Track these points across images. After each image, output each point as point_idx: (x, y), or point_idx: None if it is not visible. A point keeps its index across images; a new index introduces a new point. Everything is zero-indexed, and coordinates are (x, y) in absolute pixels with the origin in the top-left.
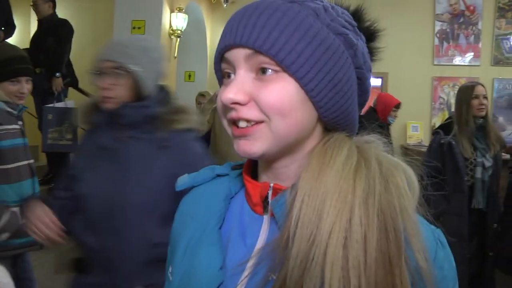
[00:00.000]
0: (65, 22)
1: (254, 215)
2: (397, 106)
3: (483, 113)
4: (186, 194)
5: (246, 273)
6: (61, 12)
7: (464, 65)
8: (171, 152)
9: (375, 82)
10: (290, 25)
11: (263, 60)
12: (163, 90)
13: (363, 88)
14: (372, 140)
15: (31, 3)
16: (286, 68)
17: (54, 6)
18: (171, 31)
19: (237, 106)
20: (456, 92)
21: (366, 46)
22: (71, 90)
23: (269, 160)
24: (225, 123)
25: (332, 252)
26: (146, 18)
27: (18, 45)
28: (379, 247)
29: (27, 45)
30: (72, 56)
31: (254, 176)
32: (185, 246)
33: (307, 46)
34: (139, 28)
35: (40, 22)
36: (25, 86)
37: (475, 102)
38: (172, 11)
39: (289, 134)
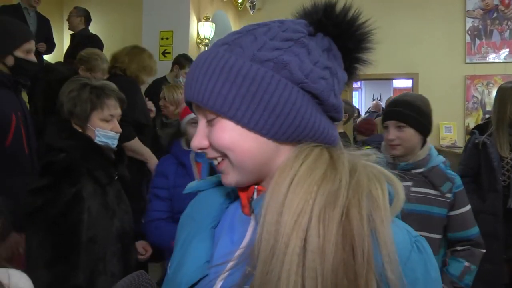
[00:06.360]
0: (94, 37)
1: (243, 216)
2: None
3: None
4: (193, 199)
5: (227, 268)
6: (91, 26)
7: (498, 62)
8: None
9: (405, 83)
10: (214, 72)
11: (204, 109)
12: None
13: (321, 98)
14: (361, 153)
15: (67, 18)
16: (218, 112)
17: (86, 21)
18: (199, 40)
19: (203, 150)
20: (490, 90)
21: (358, 50)
22: None
23: (250, 184)
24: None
25: (289, 261)
26: (173, 28)
27: (53, 59)
28: (339, 258)
29: (61, 59)
30: None
31: None
32: (182, 243)
33: (231, 87)
34: (167, 38)
35: (73, 36)
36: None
37: None
38: (199, 20)
39: (245, 163)
